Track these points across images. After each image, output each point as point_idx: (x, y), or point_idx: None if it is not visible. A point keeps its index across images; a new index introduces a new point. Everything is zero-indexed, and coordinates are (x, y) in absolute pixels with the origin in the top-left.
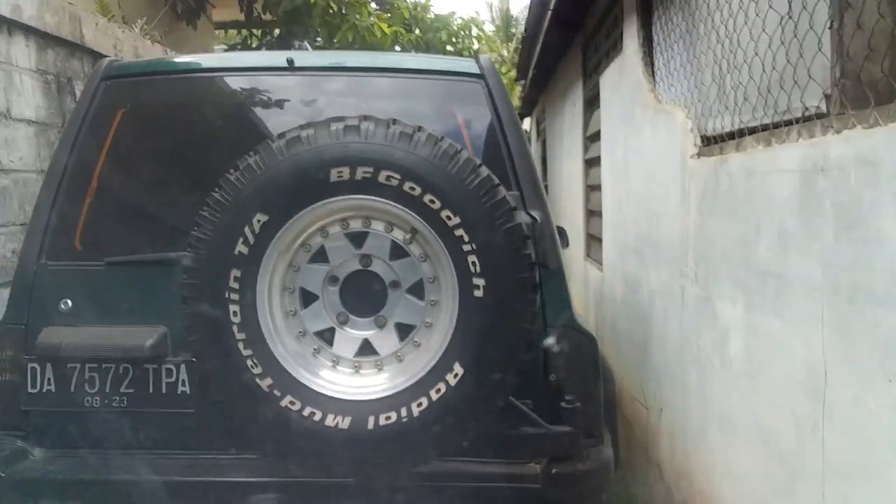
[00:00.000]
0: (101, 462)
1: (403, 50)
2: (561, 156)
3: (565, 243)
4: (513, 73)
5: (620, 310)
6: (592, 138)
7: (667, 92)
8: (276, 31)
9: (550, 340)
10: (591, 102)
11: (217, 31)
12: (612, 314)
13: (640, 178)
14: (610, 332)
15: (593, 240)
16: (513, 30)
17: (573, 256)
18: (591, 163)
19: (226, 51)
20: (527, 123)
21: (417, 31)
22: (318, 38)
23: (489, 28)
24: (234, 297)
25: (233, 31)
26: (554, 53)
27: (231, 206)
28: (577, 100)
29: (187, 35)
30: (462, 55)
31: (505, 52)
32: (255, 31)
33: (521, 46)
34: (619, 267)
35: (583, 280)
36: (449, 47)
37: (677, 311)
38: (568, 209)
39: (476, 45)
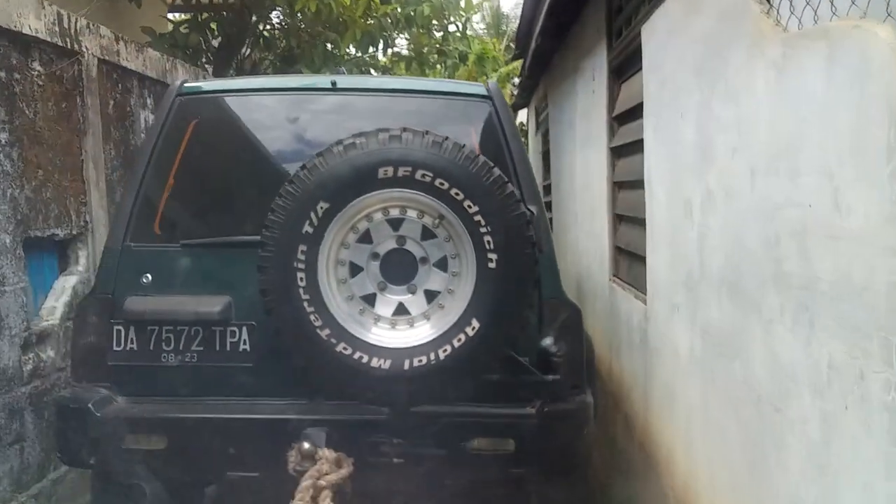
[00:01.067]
0: (176, 405)
1: (379, 24)
2: (570, 147)
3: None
4: (503, 70)
5: (693, 380)
6: (623, 118)
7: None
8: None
9: (548, 341)
10: (622, 69)
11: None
12: (668, 379)
13: (749, 164)
14: (663, 413)
15: (626, 256)
16: (504, 27)
17: (590, 272)
18: (621, 151)
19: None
20: (523, 115)
21: (394, 3)
22: (277, 10)
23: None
24: (301, 266)
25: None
26: (565, 9)
27: (300, 195)
28: (597, 71)
29: (132, 13)
30: (448, 38)
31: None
32: (206, 13)
33: (521, 11)
34: (689, 307)
35: (607, 309)
36: (435, 23)
37: (878, 428)
38: (582, 212)
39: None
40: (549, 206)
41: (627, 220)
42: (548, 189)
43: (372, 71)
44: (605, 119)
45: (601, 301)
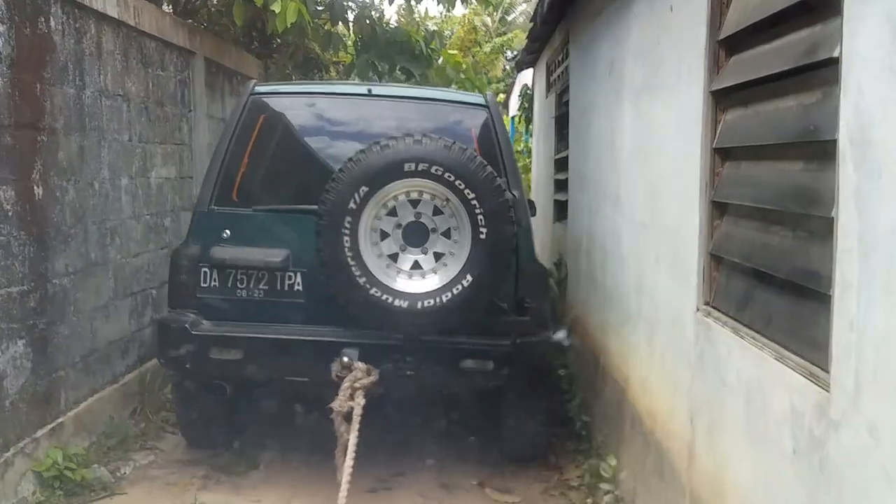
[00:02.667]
0: (248, 328)
1: None
2: (611, 101)
3: (533, 212)
4: (498, 40)
5: None
6: (747, 39)
7: None
8: None
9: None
10: None
11: None
12: None
13: None
14: None
15: (742, 276)
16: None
17: (642, 285)
18: (741, 97)
19: None
20: (528, 77)
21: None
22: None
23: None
24: (346, 232)
25: None
26: None
27: (347, 181)
28: None
29: None
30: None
31: (489, 21)
32: None
33: None
34: None
35: (684, 358)
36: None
37: None
38: (629, 193)
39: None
40: (561, 185)
41: (750, 216)
42: (561, 164)
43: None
44: (700, 47)
45: (670, 342)
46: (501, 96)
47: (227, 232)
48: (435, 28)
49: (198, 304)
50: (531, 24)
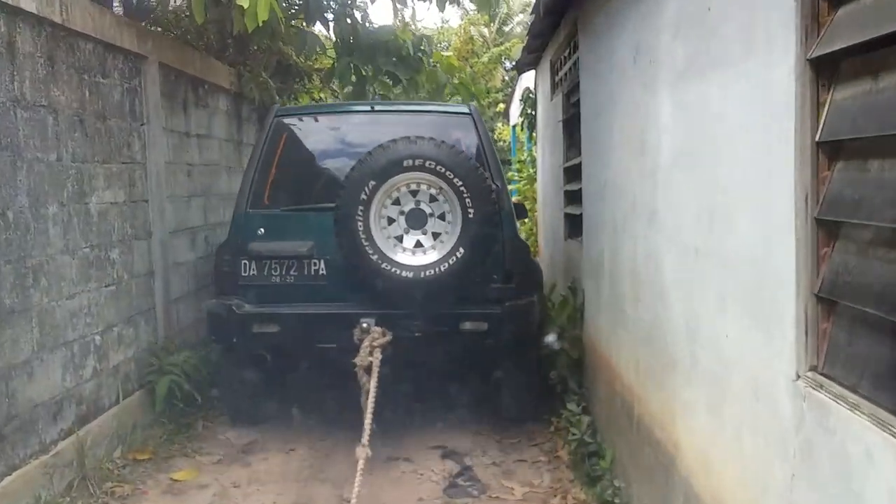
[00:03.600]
0: (282, 306)
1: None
2: (644, 91)
3: (522, 215)
4: (496, 50)
5: None
6: None
7: None
8: None
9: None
10: None
11: None
12: None
13: None
14: None
15: (873, 333)
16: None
17: (695, 334)
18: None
19: None
20: (529, 80)
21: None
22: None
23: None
24: (360, 218)
25: None
26: None
27: (359, 177)
28: None
29: None
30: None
31: (486, 32)
32: None
33: None
34: None
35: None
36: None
37: None
38: (671, 205)
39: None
40: (572, 196)
41: (883, 240)
42: (573, 173)
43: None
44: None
45: (750, 417)
46: (501, 106)
47: (262, 230)
48: (427, 34)
49: (240, 290)
50: (531, 19)
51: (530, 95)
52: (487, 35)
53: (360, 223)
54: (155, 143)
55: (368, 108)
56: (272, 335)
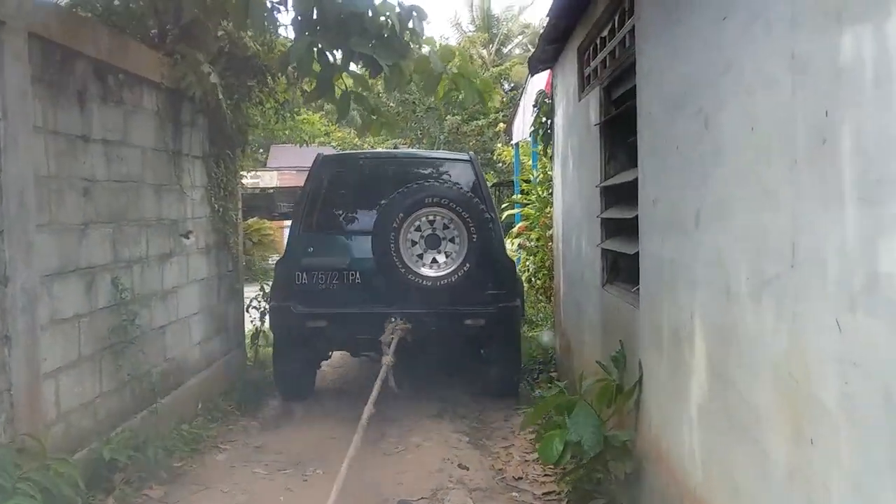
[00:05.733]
0: (329, 307)
1: None
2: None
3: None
4: (495, 70)
5: None
6: None
7: None
8: None
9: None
10: None
11: None
12: None
13: None
14: None
15: None
16: (494, 30)
17: None
18: None
19: None
20: (542, 82)
21: None
22: None
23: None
24: (392, 242)
25: None
26: None
27: (392, 209)
28: None
29: None
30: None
31: (485, 53)
32: None
33: None
34: None
35: None
36: None
37: None
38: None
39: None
40: (615, 227)
41: None
42: (616, 194)
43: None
44: None
45: None
46: (501, 125)
47: (312, 248)
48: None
49: (294, 295)
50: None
51: (546, 100)
52: (486, 56)
53: (392, 245)
54: (16, 148)
55: (394, 155)
56: (321, 329)
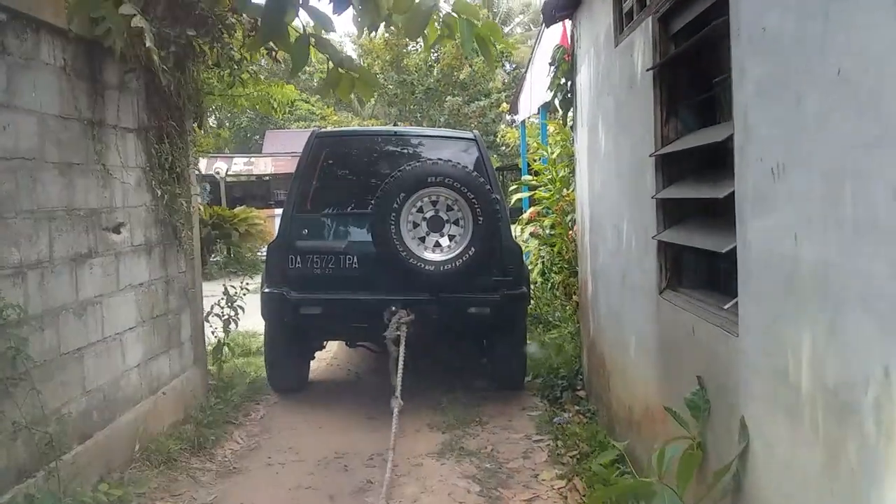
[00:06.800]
0: (323, 293)
1: None
2: None
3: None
4: (500, 46)
5: None
6: None
7: None
8: None
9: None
10: None
11: None
12: None
13: None
14: None
15: None
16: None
17: None
18: None
19: None
20: (555, 36)
21: None
22: None
23: None
24: (392, 223)
25: None
26: None
27: (392, 188)
28: None
29: None
30: None
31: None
32: None
33: None
34: None
35: None
36: None
37: None
38: None
39: None
40: (677, 210)
41: None
42: (679, 164)
43: None
44: None
45: None
46: (504, 106)
47: (306, 230)
48: None
49: (288, 280)
50: None
51: (565, 57)
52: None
53: (392, 227)
54: None
55: (393, 132)
56: (315, 316)
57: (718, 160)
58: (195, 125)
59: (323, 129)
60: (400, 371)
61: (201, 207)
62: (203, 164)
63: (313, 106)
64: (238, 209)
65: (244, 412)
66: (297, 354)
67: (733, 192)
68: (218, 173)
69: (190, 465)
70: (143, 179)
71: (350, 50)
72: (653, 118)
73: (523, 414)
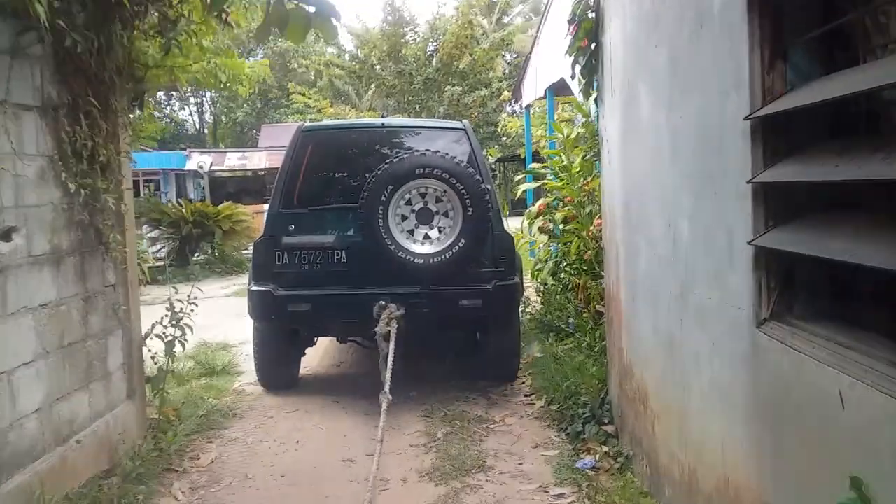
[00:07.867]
0: (311, 289)
1: None
2: None
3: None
4: (497, 35)
5: None
6: None
7: None
8: None
9: (496, 252)
10: None
11: None
12: None
13: None
14: None
15: None
16: None
17: None
18: None
19: None
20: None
21: None
22: None
23: None
24: (380, 216)
25: None
26: None
27: (379, 181)
28: None
29: None
30: None
31: (486, 23)
32: None
33: None
34: None
35: None
36: None
37: None
38: None
39: None
40: (793, 202)
41: None
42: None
43: None
44: None
45: None
46: (506, 94)
47: (293, 226)
48: None
49: (274, 277)
50: None
51: (589, 13)
52: (487, 26)
53: (380, 220)
54: None
55: (380, 124)
56: (304, 313)
57: (848, 125)
58: (134, 105)
59: (309, 124)
60: (389, 367)
61: (181, 204)
62: (195, 159)
63: (309, 99)
64: (222, 205)
65: (191, 455)
66: (287, 352)
67: None
68: (201, 167)
69: None
70: (50, 171)
71: (348, 41)
72: (747, 65)
73: (537, 453)
